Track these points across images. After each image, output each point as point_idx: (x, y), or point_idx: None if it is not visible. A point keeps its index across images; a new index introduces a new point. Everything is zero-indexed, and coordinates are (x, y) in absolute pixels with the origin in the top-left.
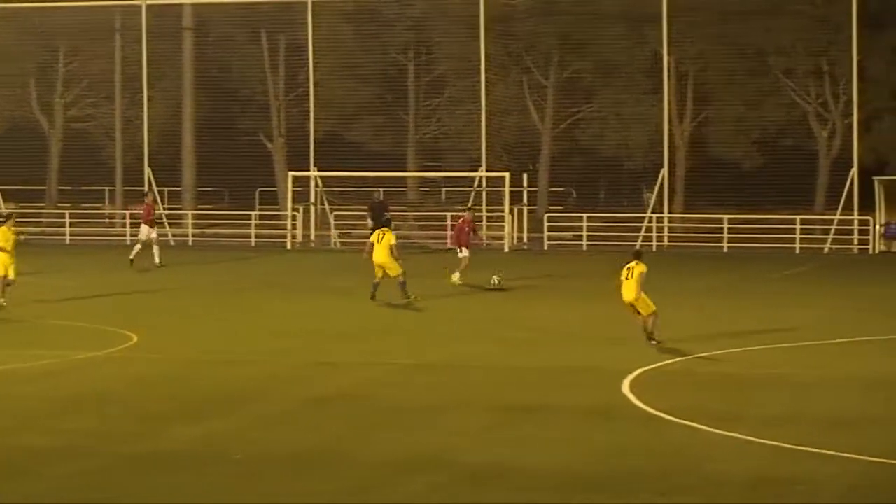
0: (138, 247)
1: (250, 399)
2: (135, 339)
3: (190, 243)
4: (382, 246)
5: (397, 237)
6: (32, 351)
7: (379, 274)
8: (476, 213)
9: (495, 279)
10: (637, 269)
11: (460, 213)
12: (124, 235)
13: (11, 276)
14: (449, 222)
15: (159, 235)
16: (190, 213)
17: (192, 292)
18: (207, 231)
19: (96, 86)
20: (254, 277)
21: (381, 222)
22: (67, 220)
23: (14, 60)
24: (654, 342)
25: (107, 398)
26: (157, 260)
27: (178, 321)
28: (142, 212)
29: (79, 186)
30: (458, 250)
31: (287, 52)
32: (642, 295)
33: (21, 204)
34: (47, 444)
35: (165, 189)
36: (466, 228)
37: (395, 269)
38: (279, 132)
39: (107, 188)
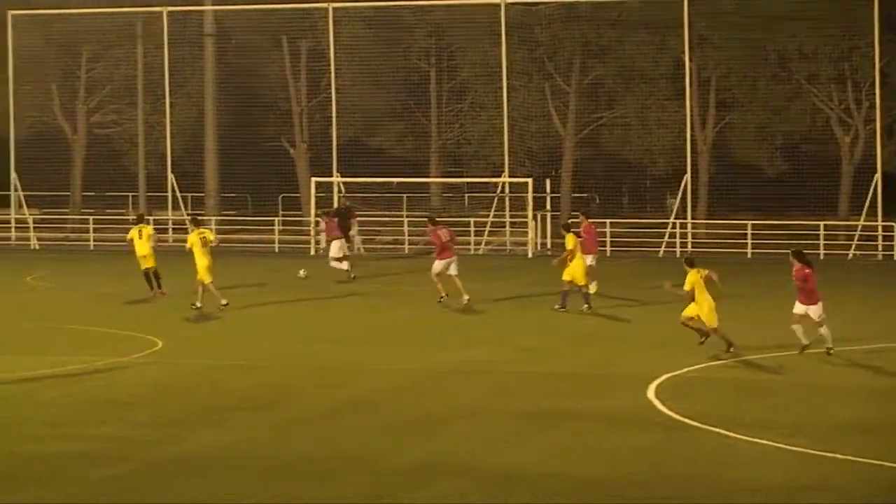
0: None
1: (271, 405)
2: (160, 344)
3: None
4: (144, 240)
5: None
6: (58, 357)
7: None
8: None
9: (302, 272)
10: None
11: (484, 219)
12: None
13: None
14: (472, 228)
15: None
16: (213, 219)
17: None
18: (231, 237)
19: (119, 92)
20: (277, 283)
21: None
22: (91, 227)
23: (36, 66)
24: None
25: (132, 404)
26: None
27: (204, 327)
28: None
29: (103, 192)
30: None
31: (309, 58)
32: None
33: (45, 210)
34: (73, 450)
35: (189, 195)
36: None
37: (153, 262)
38: (302, 138)
39: (130, 194)
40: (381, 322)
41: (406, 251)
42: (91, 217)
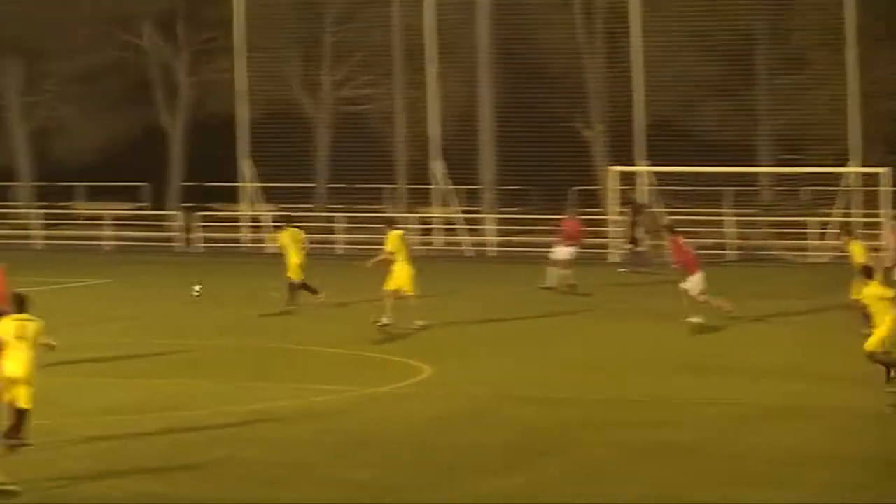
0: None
1: (561, 445)
2: (426, 371)
3: (492, 254)
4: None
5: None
6: (307, 385)
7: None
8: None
9: (196, 289)
10: None
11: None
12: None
13: None
14: (812, 230)
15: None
16: (490, 216)
17: (496, 315)
18: (512, 239)
19: (372, 60)
20: (568, 296)
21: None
22: (339, 226)
23: (271, 32)
24: None
25: (394, 442)
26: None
27: (478, 351)
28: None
29: (353, 184)
30: None
31: (607, 19)
32: None
33: (284, 205)
34: (325, 498)
35: (459, 188)
36: None
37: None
38: (598, 118)
39: (387, 186)
40: (692, 346)
41: (728, 257)
42: (339, 214)
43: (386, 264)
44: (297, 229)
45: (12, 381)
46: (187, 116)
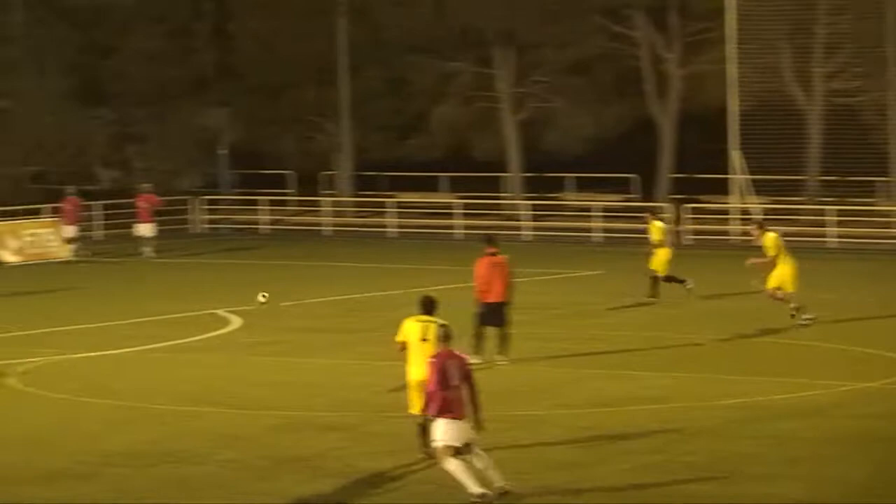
0: None
1: None
2: None
3: None
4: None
5: None
6: (793, 379)
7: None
8: None
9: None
10: None
11: None
12: None
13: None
14: None
15: None
16: None
17: None
18: None
19: (865, 52)
20: None
21: None
22: (830, 219)
23: (764, 20)
24: None
25: (891, 439)
26: None
27: None
28: None
29: (844, 177)
30: None
31: None
32: None
33: (775, 198)
34: (823, 497)
35: None
36: None
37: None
38: None
39: (880, 180)
40: None
41: None
42: (830, 207)
43: (769, 266)
44: (662, 222)
45: (417, 385)
46: (677, 108)
